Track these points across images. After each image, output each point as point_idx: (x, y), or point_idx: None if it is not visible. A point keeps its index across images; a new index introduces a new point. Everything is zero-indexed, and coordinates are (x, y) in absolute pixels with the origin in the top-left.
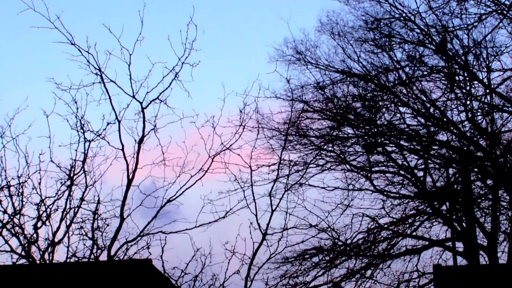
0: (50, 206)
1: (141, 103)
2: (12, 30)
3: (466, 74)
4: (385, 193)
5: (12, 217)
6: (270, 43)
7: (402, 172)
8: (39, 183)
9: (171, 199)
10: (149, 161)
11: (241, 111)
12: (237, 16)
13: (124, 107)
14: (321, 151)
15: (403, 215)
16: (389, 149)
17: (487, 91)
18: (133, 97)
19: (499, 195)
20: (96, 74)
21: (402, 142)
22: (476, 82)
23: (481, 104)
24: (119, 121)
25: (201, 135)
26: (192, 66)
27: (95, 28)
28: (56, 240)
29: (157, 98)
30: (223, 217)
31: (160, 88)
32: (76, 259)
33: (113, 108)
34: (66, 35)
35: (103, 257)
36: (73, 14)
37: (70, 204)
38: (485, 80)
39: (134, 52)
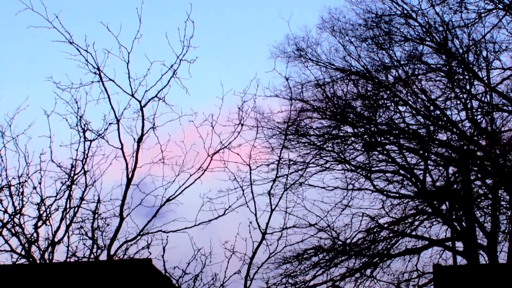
0: (50, 206)
1: (140, 102)
2: (11, 30)
3: (466, 73)
4: (385, 192)
5: (12, 216)
6: (270, 42)
7: (402, 172)
8: (40, 183)
9: (170, 198)
10: (148, 160)
11: (239, 109)
12: (237, 15)
13: (123, 106)
14: (321, 150)
15: (403, 215)
16: (388, 148)
17: (487, 89)
18: (132, 95)
19: (499, 194)
20: (95, 73)
21: (402, 141)
22: (476, 81)
23: (481, 103)
24: (118, 120)
25: (200, 134)
26: (189, 63)
27: (93, 27)
28: (56, 239)
29: (156, 96)
30: (222, 215)
31: (158, 86)
32: (76, 258)
33: (112, 107)
34: (65, 34)
35: (103, 256)
36: (71, 13)
37: (70, 203)
38: (485, 79)
39: (133, 51)
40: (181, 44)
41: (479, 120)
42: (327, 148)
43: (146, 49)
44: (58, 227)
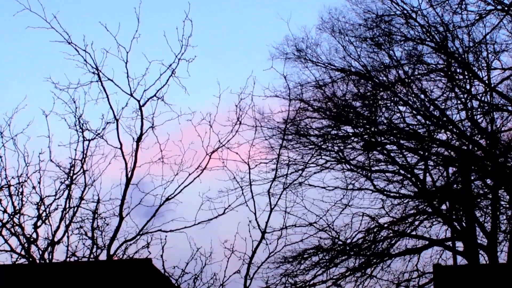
0: (50, 206)
1: (138, 101)
2: (9, 30)
3: (466, 73)
4: (385, 192)
5: (12, 216)
6: (269, 43)
7: (402, 172)
8: (39, 183)
9: (169, 197)
10: (147, 159)
11: (236, 106)
12: (236, 14)
13: (122, 105)
14: (321, 150)
15: (403, 215)
16: (388, 148)
17: (487, 89)
18: (131, 95)
19: (499, 194)
20: (93, 73)
21: (402, 141)
22: (476, 81)
23: (481, 103)
24: (117, 120)
25: (198, 133)
26: (188, 62)
27: (91, 27)
28: (55, 239)
29: (155, 95)
30: (222, 214)
31: (157, 85)
32: (76, 258)
33: (111, 107)
34: (63, 35)
35: (103, 256)
36: (69, 14)
37: (69, 203)
38: (485, 79)
39: (131, 50)
40: (180, 44)
41: (479, 120)
42: (327, 148)
43: (144, 49)
44: (58, 227)
